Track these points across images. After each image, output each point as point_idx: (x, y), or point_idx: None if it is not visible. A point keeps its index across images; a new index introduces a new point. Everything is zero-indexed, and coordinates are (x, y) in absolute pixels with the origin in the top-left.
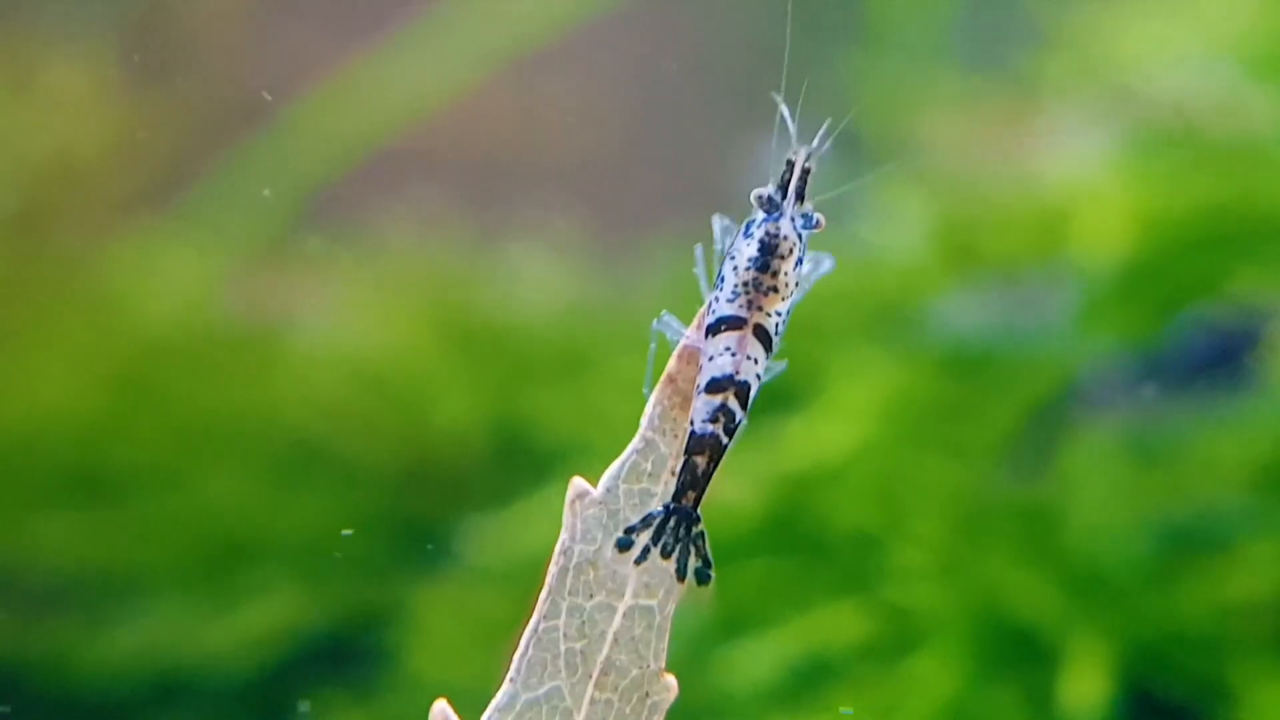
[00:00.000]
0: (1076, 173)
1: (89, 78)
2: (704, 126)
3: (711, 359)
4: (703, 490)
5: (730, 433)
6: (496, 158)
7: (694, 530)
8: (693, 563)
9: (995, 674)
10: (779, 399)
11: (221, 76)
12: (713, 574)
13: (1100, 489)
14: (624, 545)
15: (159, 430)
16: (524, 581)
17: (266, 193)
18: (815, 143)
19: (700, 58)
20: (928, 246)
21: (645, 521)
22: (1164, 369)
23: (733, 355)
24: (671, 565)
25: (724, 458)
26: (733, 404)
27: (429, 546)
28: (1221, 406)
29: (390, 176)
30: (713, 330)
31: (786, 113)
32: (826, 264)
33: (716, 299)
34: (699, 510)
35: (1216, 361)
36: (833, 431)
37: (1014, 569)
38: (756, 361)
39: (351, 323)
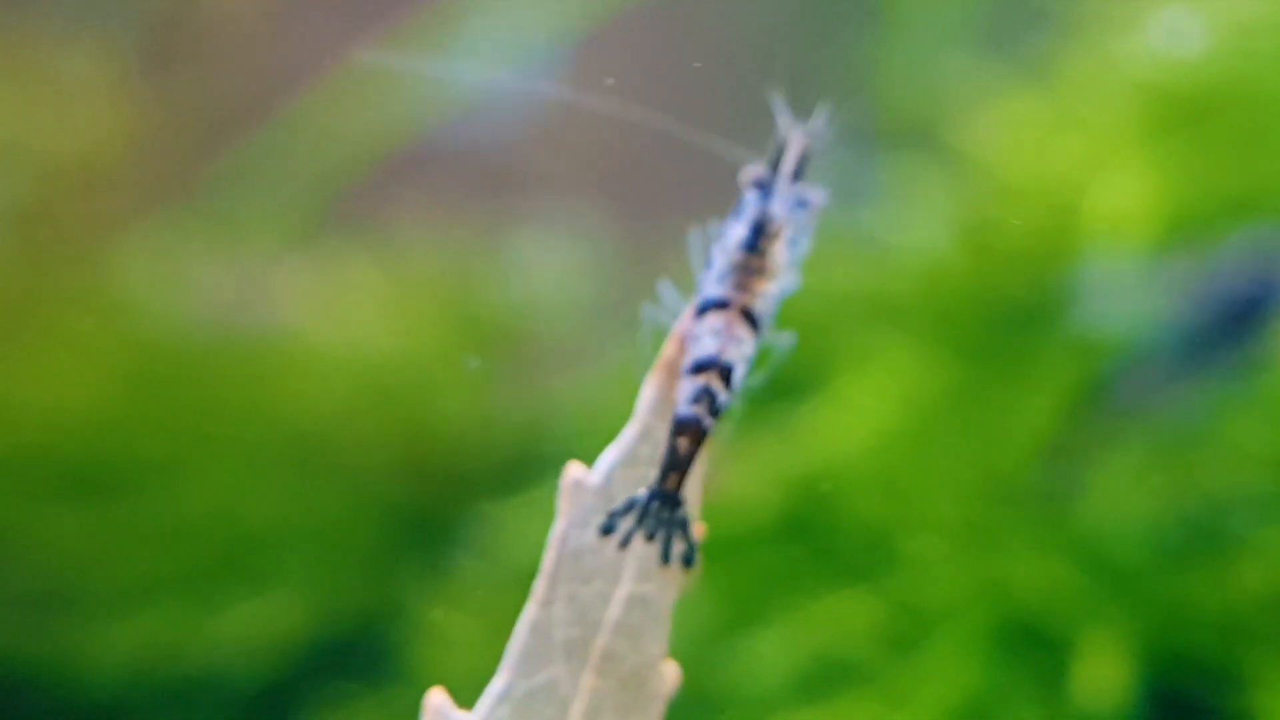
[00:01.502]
0: (1096, 158)
1: (103, 74)
2: (726, 117)
3: (697, 340)
4: (685, 472)
5: (714, 414)
6: (515, 153)
7: (677, 513)
8: (678, 546)
9: (1010, 665)
10: (795, 389)
11: (237, 72)
12: (698, 557)
13: (1116, 478)
14: (607, 530)
15: (168, 429)
16: (535, 575)
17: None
18: (811, 123)
19: (724, 47)
20: (947, 234)
21: (629, 506)
22: (1179, 346)
23: (718, 337)
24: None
25: (708, 440)
26: (716, 386)
27: (439, 543)
28: (1235, 386)
29: (406, 173)
30: (701, 312)
31: (780, 96)
32: (805, 244)
33: (706, 280)
34: (682, 493)
35: (1228, 329)
36: (850, 422)
37: (1029, 559)
38: (743, 343)
39: (363, 321)
